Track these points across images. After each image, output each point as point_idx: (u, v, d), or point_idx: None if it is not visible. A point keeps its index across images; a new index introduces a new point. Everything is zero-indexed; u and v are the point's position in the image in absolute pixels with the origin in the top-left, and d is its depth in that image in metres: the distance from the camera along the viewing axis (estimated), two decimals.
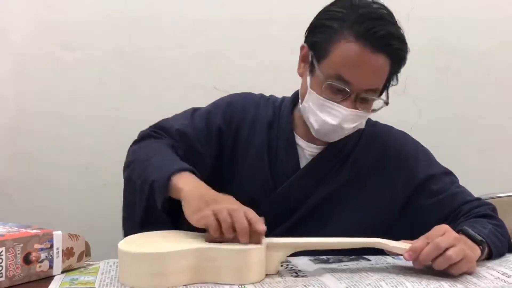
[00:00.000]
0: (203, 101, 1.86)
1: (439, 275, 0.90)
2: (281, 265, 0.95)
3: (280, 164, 1.17)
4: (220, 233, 0.87)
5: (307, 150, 1.17)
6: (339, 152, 1.16)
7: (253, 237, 0.88)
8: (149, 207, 1.01)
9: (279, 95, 1.27)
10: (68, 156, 1.88)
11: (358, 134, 1.18)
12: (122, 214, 1.15)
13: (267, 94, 1.29)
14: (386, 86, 1.11)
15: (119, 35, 1.88)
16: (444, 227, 0.95)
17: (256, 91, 1.31)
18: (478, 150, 2.05)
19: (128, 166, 1.11)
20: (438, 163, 1.21)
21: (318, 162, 1.16)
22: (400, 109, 1.98)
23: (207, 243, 0.89)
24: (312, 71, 1.09)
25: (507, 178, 2.04)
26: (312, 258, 1.03)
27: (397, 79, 1.13)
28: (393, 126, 1.27)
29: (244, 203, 1.00)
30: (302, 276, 0.90)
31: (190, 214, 0.92)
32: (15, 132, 1.87)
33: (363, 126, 1.13)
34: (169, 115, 1.90)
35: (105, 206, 1.88)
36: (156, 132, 1.17)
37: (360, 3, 1.06)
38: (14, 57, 1.85)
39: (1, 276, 0.82)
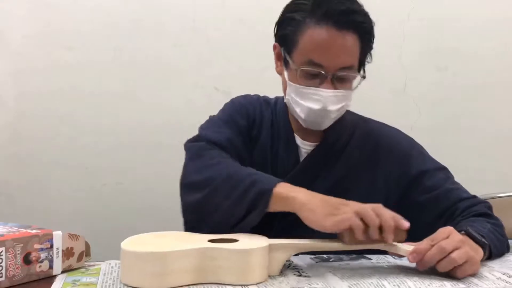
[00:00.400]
0: (203, 101, 1.88)
1: (441, 274, 0.90)
2: (283, 264, 0.95)
3: (281, 161, 1.18)
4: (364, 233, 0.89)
5: (302, 148, 1.18)
6: (332, 147, 1.17)
7: (398, 235, 0.90)
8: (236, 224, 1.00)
9: (279, 95, 1.27)
10: (68, 157, 1.88)
11: (350, 131, 1.19)
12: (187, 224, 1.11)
13: (267, 94, 1.29)
14: (362, 63, 1.12)
15: (119, 35, 1.88)
16: (449, 229, 0.94)
17: (256, 91, 1.31)
18: (477, 150, 2.05)
19: (203, 186, 1.04)
20: (432, 159, 1.21)
21: (312, 158, 1.17)
22: (400, 109, 2.00)
23: (210, 242, 0.89)
24: (286, 65, 1.12)
25: (507, 178, 2.04)
26: (313, 257, 1.03)
27: (371, 56, 1.14)
28: (393, 126, 1.27)
29: None
30: (305, 276, 0.90)
31: (321, 219, 0.91)
32: (15, 132, 1.86)
33: (349, 107, 1.14)
34: (169, 115, 1.91)
35: (105, 206, 1.89)
36: (210, 145, 1.12)
37: None
38: (14, 57, 1.85)
39: (1, 276, 0.82)
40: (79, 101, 1.87)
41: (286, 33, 1.11)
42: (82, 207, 1.88)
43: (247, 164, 1.13)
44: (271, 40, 2.09)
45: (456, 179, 1.20)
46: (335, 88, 1.08)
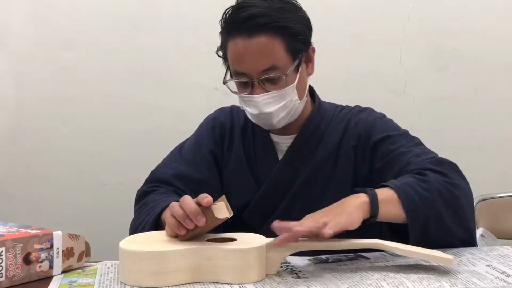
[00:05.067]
0: (203, 101, 1.88)
1: (440, 274, 0.90)
2: (281, 266, 0.95)
3: (261, 162, 1.22)
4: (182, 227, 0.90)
5: (282, 143, 1.21)
6: (311, 137, 1.20)
7: (210, 218, 0.88)
8: None
9: None
10: (68, 157, 1.88)
11: (328, 120, 1.21)
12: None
13: None
14: (294, 55, 1.11)
15: (119, 35, 1.88)
16: (316, 213, 0.93)
17: None
18: (477, 150, 2.05)
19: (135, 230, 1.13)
20: (394, 126, 1.20)
21: (292, 151, 1.20)
22: (400, 109, 2.00)
23: (208, 242, 0.89)
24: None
25: (507, 178, 2.04)
26: (311, 258, 1.03)
27: (308, 43, 1.15)
28: None
29: (236, 206, 1.02)
30: (303, 277, 0.90)
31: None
32: (15, 132, 1.87)
33: (298, 101, 1.14)
34: (169, 115, 1.91)
35: (105, 206, 1.89)
36: (154, 186, 1.21)
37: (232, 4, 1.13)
38: (14, 56, 1.85)
39: (1, 276, 0.82)
40: (79, 101, 1.88)
41: (221, 51, 1.18)
42: (82, 207, 1.88)
43: (218, 181, 1.22)
44: None
45: None
46: (266, 91, 1.10)
